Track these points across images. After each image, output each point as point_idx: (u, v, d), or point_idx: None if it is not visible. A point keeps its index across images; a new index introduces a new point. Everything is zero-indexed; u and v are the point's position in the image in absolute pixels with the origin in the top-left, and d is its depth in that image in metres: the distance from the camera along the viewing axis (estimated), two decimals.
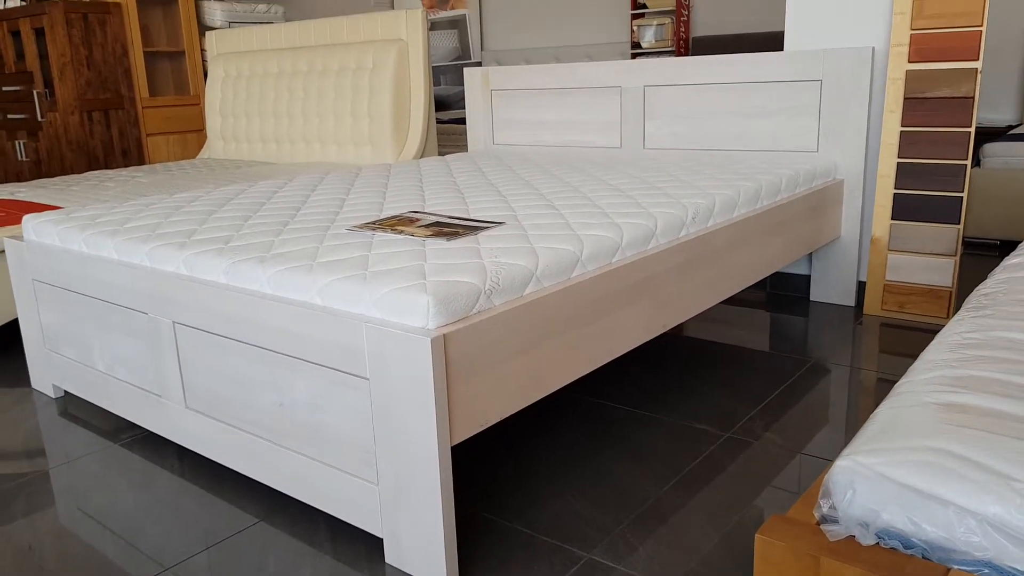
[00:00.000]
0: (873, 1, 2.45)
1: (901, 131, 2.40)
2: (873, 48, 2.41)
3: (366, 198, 2.10)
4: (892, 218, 2.46)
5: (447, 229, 1.65)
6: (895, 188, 2.44)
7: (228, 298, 1.42)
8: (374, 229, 1.67)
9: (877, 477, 0.80)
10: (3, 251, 2.38)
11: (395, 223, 1.73)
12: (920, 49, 2.33)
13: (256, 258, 1.45)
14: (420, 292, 1.19)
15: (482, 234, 1.59)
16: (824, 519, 0.83)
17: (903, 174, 2.42)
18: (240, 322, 1.41)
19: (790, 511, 0.87)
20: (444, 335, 1.16)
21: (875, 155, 2.54)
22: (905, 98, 2.38)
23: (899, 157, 2.42)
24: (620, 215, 1.72)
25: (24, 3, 4.28)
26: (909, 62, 2.36)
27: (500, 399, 1.29)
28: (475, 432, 1.25)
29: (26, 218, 2.01)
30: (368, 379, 1.23)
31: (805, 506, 0.87)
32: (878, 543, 0.79)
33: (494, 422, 1.29)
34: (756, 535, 0.82)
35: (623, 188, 2.08)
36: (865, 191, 2.57)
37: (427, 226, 1.69)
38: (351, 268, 1.35)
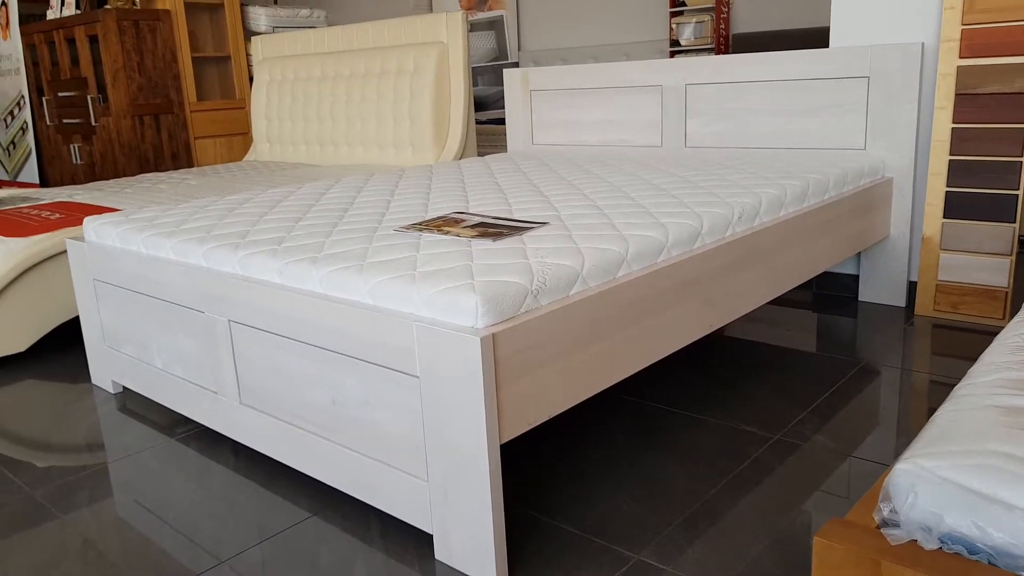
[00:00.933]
0: None
1: (952, 128, 2.34)
2: (923, 44, 2.36)
3: (411, 199, 2.13)
4: (944, 216, 2.40)
5: (492, 229, 1.66)
6: (947, 186, 2.38)
7: (282, 298, 1.46)
8: (421, 230, 1.69)
9: (939, 481, 0.78)
10: (65, 251, 2.47)
11: (441, 224, 1.75)
12: (971, 44, 2.28)
13: (308, 259, 1.49)
14: (469, 292, 1.21)
15: (527, 234, 1.60)
16: (884, 523, 0.83)
17: (955, 172, 2.37)
18: (294, 321, 1.44)
19: (848, 514, 0.86)
20: (493, 334, 1.17)
21: (925, 153, 2.48)
22: (956, 94, 2.32)
23: (951, 154, 2.36)
24: (665, 215, 1.72)
25: (79, 11, 4.42)
26: (960, 58, 2.30)
27: (548, 398, 1.30)
28: (523, 431, 1.26)
29: (87, 220, 2.09)
30: (418, 377, 1.25)
31: (864, 509, 0.86)
32: (941, 548, 0.78)
33: (542, 421, 1.30)
34: (815, 538, 0.82)
35: (666, 187, 2.07)
36: (915, 189, 2.51)
37: (472, 226, 1.71)
38: (400, 268, 1.37)
